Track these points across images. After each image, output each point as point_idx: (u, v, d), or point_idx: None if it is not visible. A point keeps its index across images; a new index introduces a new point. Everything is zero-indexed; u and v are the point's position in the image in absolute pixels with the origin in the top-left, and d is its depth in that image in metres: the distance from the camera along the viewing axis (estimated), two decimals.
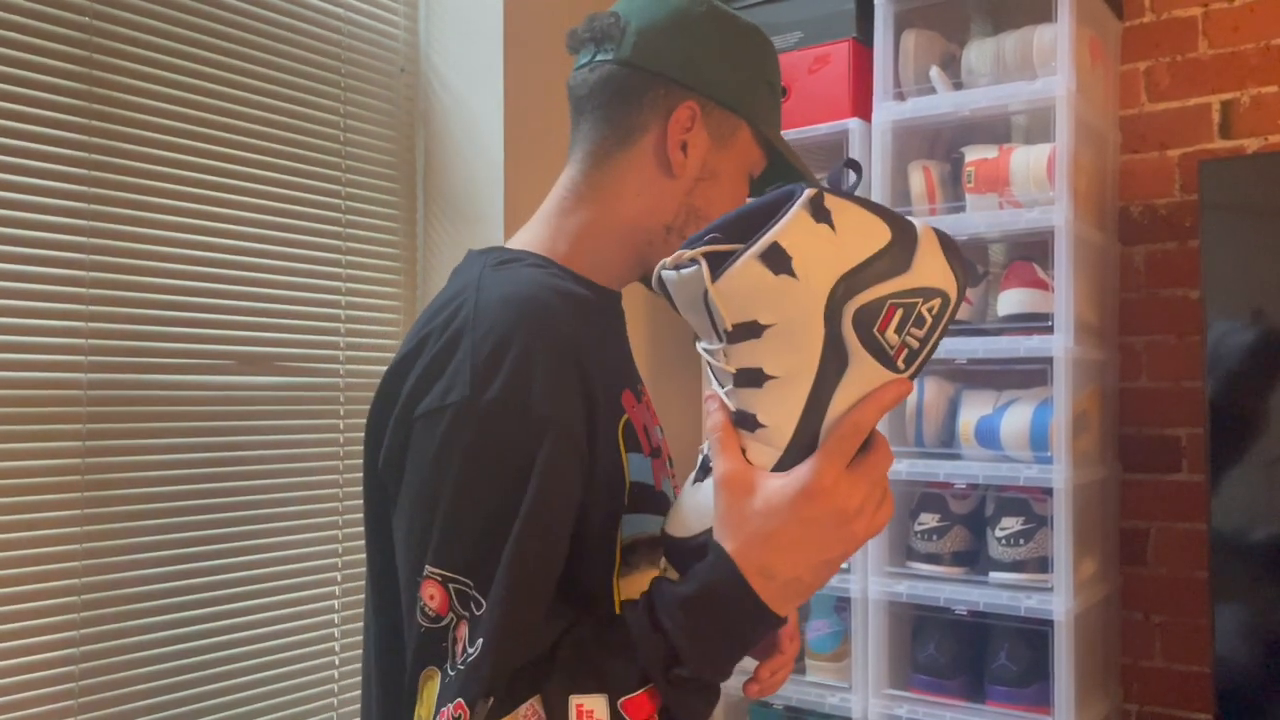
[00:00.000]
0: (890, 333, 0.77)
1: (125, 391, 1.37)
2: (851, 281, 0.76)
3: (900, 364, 0.78)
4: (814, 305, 0.76)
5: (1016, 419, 1.68)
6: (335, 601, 1.63)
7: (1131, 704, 1.95)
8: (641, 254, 1.01)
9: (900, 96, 1.82)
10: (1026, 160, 1.69)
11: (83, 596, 1.32)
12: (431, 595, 0.82)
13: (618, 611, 0.88)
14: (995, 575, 1.69)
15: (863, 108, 1.86)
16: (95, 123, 1.34)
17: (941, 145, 1.91)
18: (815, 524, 0.76)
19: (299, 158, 1.60)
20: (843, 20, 1.88)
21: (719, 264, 0.76)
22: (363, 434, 1.53)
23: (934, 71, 1.80)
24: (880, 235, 0.78)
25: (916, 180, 1.80)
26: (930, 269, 0.78)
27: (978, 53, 1.79)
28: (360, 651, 1.66)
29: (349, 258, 1.67)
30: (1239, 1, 1.90)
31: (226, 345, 1.49)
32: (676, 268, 0.79)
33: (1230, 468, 1.66)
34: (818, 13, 1.91)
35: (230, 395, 1.50)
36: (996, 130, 1.85)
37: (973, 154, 1.76)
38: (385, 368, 1.70)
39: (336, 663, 1.63)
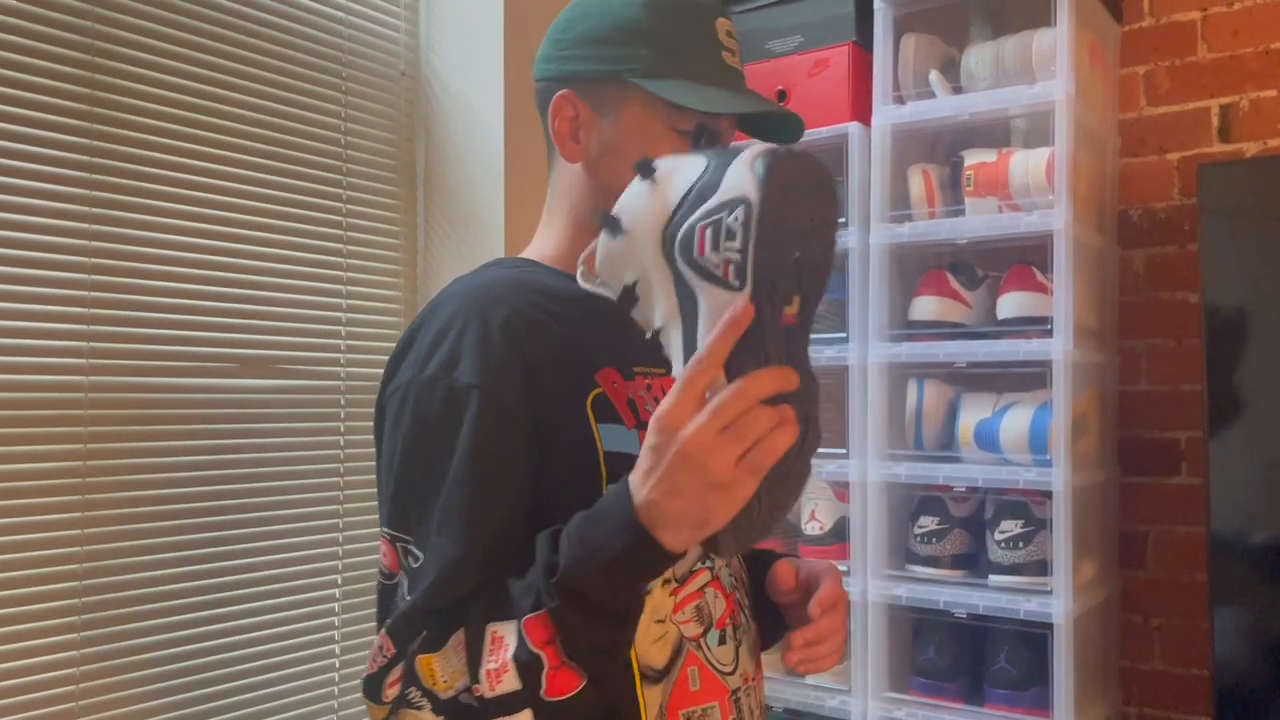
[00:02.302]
0: (709, 253, 0.80)
1: (126, 394, 1.37)
2: (674, 220, 0.82)
3: (732, 281, 0.79)
4: (653, 252, 0.84)
5: (1016, 422, 1.68)
6: (336, 605, 1.63)
7: (1131, 707, 1.95)
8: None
9: (900, 100, 1.82)
10: (1026, 164, 1.69)
11: (83, 599, 1.32)
12: (385, 554, 0.94)
13: None
14: (994, 578, 1.69)
15: (862, 111, 1.86)
16: (96, 126, 1.35)
17: (941, 149, 1.91)
18: (656, 450, 0.80)
19: (300, 160, 1.60)
20: (842, 24, 1.89)
21: None
22: (364, 436, 1.60)
23: (933, 75, 1.80)
24: (697, 171, 0.82)
25: (916, 184, 1.80)
26: (733, 182, 0.80)
27: (977, 57, 1.79)
28: (363, 653, 1.66)
29: (350, 260, 1.68)
30: (1238, 5, 1.91)
31: (227, 348, 1.50)
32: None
33: (1229, 471, 1.66)
34: (817, 16, 1.91)
35: (231, 398, 1.50)
36: (996, 134, 1.85)
37: (972, 158, 1.76)
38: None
39: (337, 665, 1.63)
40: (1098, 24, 1.88)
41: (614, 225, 0.86)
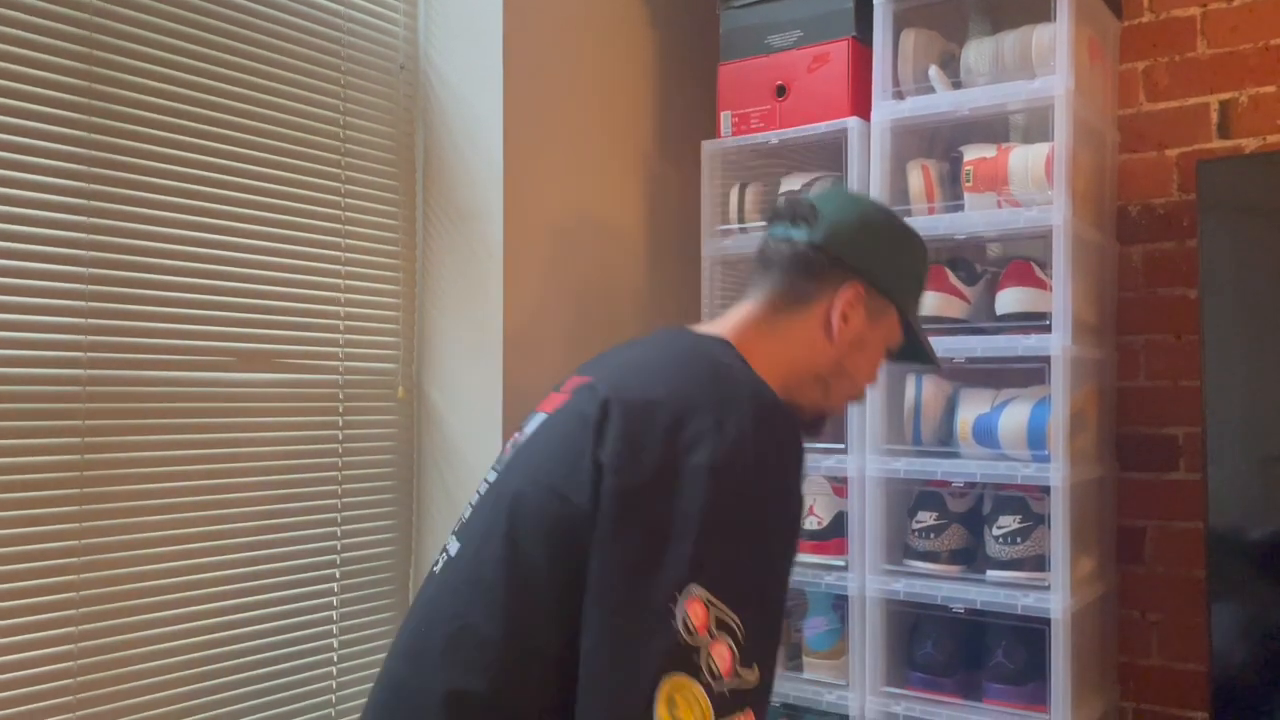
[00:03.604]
0: None
1: (124, 388, 1.37)
2: None
3: None
4: None
5: (1014, 417, 1.68)
6: (334, 598, 1.63)
7: (1128, 702, 1.95)
8: (788, 389, 1.22)
9: (899, 95, 1.82)
10: (1025, 159, 1.69)
11: (81, 593, 1.32)
12: (696, 613, 0.95)
13: None
14: (992, 573, 1.69)
15: (861, 107, 1.86)
16: (95, 119, 1.35)
17: (940, 144, 1.91)
18: None
19: (299, 154, 1.60)
20: (842, 19, 1.88)
21: None
22: (362, 430, 1.60)
23: (933, 71, 1.80)
24: None
25: (915, 179, 1.80)
26: None
27: (976, 52, 1.79)
28: (360, 646, 1.66)
29: (348, 254, 1.67)
30: (1237, 2, 1.91)
31: (226, 341, 1.50)
32: None
33: (1227, 467, 1.66)
34: (817, 11, 1.91)
35: (229, 391, 1.50)
36: (995, 129, 1.85)
37: (971, 153, 1.76)
38: (384, 364, 1.71)
39: (335, 659, 1.63)
40: (1097, 19, 1.88)
41: None
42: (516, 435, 1.21)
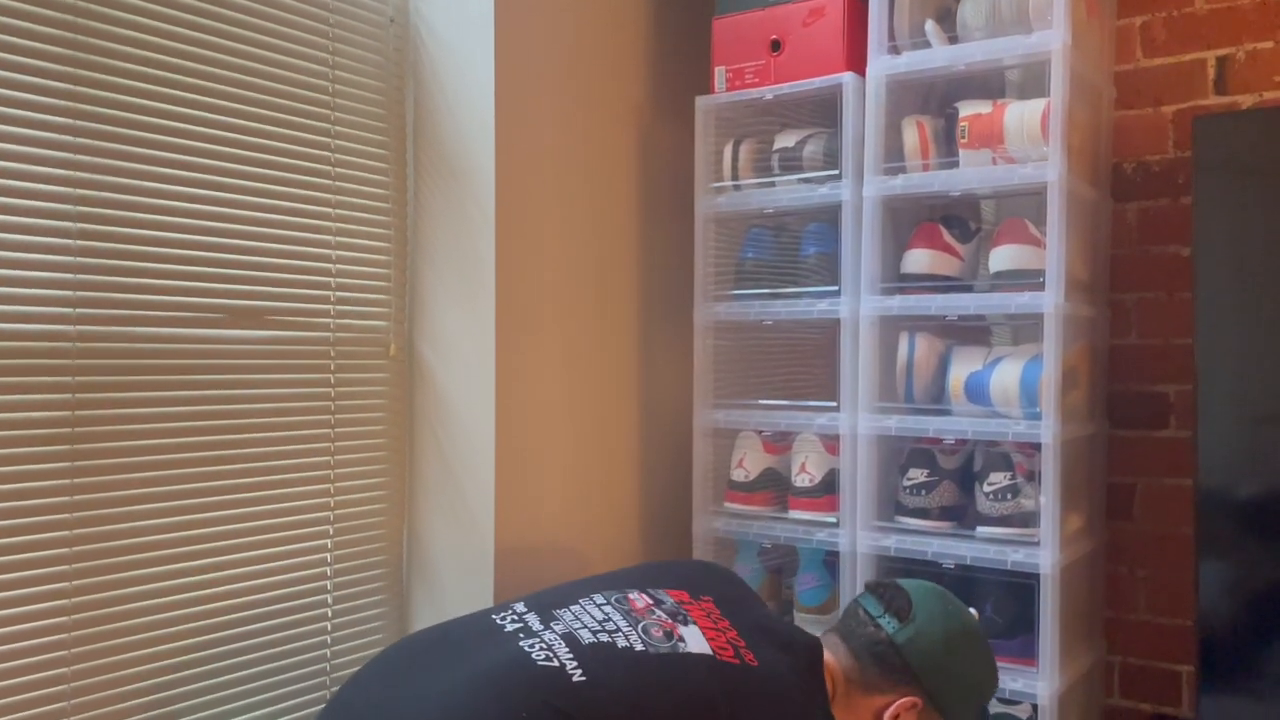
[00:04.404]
0: None
1: (114, 344, 1.37)
2: None
3: None
4: None
5: (1006, 375, 1.68)
6: (328, 555, 1.64)
7: (1115, 656, 1.98)
8: None
9: (895, 50, 1.80)
10: (1021, 115, 1.68)
11: (74, 549, 1.32)
12: None
13: None
14: (982, 530, 1.71)
15: (857, 61, 1.84)
16: (82, 72, 1.33)
17: (935, 100, 1.90)
18: None
19: (287, 109, 1.58)
20: None
21: None
22: (354, 387, 1.60)
23: (929, 25, 1.78)
24: None
25: (910, 135, 1.79)
26: None
27: (973, 6, 1.77)
28: (353, 603, 1.67)
29: (339, 210, 1.66)
30: None
31: (217, 299, 1.49)
32: None
33: (1218, 424, 1.67)
34: None
35: (220, 349, 1.49)
36: (991, 85, 1.84)
37: (967, 109, 1.75)
38: (376, 321, 1.70)
39: (329, 614, 1.64)
40: None
41: None
42: (659, 611, 1.28)
